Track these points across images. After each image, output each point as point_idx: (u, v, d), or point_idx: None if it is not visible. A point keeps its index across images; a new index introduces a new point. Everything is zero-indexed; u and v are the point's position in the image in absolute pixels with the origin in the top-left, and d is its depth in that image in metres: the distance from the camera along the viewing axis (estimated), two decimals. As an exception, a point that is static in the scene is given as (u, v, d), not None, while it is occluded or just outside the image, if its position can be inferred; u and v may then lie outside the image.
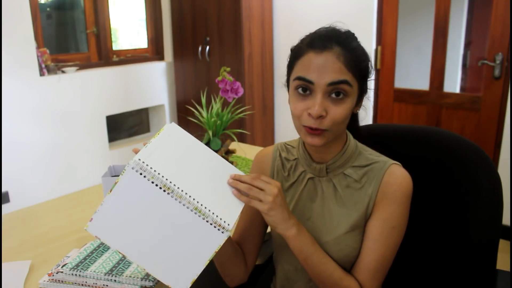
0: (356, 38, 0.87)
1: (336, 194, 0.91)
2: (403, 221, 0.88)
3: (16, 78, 2.73)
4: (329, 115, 0.82)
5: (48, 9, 3.29)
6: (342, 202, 0.91)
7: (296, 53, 0.86)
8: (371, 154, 0.92)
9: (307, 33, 0.89)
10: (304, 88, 0.83)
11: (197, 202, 0.75)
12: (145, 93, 3.60)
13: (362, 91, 0.88)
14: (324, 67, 0.81)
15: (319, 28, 0.88)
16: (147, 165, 0.73)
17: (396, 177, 0.87)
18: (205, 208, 0.76)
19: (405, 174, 0.88)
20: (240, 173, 0.86)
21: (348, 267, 0.91)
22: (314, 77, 0.81)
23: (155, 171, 0.73)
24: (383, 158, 0.91)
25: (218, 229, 0.76)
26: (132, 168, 0.73)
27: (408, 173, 0.88)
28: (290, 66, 0.89)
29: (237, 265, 0.97)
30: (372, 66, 0.89)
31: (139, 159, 0.73)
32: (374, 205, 0.88)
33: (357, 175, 0.90)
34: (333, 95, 0.82)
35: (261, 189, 0.81)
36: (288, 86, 0.91)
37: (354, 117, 0.97)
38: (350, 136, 0.94)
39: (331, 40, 0.83)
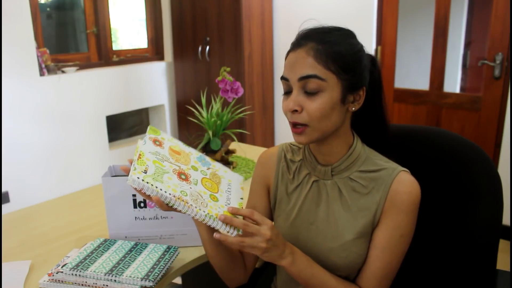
0: (342, 34, 0.85)
1: (342, 198, 0.90)
2: (411, 229, 0.87)
3: (16, 78, 2.73)
4: (305, 110, 0.83)
5: (48, 9, 3.29)
6: (347, 206, 0.89)
7: (286, 54, 0.89)
8: (379, 160, 0.91)
9: None
10: (286, 86, 0.86)
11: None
12: (145, 93, 3.60)
13: (351, 86, 0.84)
14: (295, 63, 0.83)
15: (307, 27, 0.88)
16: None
17: (405, 185, 0.86)
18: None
19: (413, 182, 0.87)
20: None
21: (353, 273, 0.90)
22: (288, 74, 0.85)
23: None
24: (392, 164, 0.89)
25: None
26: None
27: (416, 181, 0.87)
28: None
29: (237, 270, 0.97)
30: (363, 59, 0.86)
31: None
32: (382, 213, 0.87)
33: (364, 180, 0.89)
34: (307, 90, 0.83)
35: (253, 234, 0.79)
36: None
37: (358, 117, 0.93)
38: (357, 139, 0.92)
39: (306, 37, 0.84)
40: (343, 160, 0.90)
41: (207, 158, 0.96)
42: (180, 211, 0.81)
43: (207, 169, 0.94)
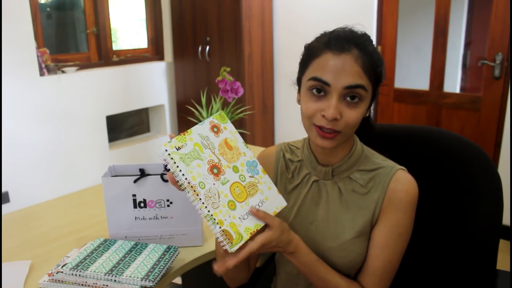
0: (372, 42, 0.85)
1: (341, 198, 0.91)
2: (409, 227, 0.88)
3: (16, 78, 2.72)
4: (343, 119, 0.81)
5: (48, 9, 3.29)
6: (347, 207, 0.90)
7: (312, 52, 0.85)
8: (377, 158, 0.91)
9: (323, 32, 0.87)
10: (319, 89, 0.82)
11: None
12: (145, 93, 3.60)
13: (374, 96, 0.87)
14: (342, 70, 0.80)
15: (336, 28, 0.86)
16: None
17: (402, 183, 0.86)
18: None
19: (411, 180, 0.87)
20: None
21: (352, 272, 0.91)
22: (331, 79, 0.80)
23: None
24: (390, 162, 0.90)
25: None
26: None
27: (413, 179, 0.88)
28: (304, 65, 0.87)
29: (241, 271, 0.97)
30: (385, 71, 0.88)
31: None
32: (380, 211, 0.87)
33: (363, 179, 0.89)
34: (348, 99, 0.81)
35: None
36: (299, 84, 0.89)
37: (363, 121, 0.93)
38: (357, 140, 0.93)
39: (349, 42, 0.81)
40: (344, 161, 0.90)
41: (259, 169, 0.88)
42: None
43: (250, 176, 0.86)
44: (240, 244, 0.78)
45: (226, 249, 0.78)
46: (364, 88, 0.81)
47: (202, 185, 0.79)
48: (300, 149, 0.98)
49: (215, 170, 0.82)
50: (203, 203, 0.78)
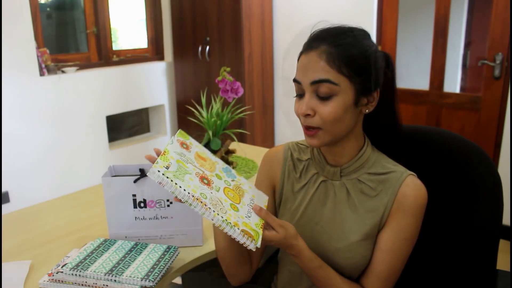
0: (356, 35, 0.84)
1: (349, 199, 0.90)
2: (415, 232, 0.88)
3: (16, 78, 2.72)
4: (318, 114, 0.83)
5: (48, 9, 3.29)
6: (355, 207, 0.89)
7: (299, 56, 0.87)
8: (388, 163, 0.91)
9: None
10: (298, 89, 0.86)
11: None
12: (145, 93, 3.60)
13: (365, 88, 0.84)
14: (307, 67, 0.82)
15: (320, 28, 0.87)
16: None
17: (413, 189, 0.86)
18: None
19: (421, 186, 0.87)
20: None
21: (355, 274, 0.91)
22: (300, 77, 0.84)
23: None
24: (400, 168, 0.90)
25: None
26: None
27: (423, 185, 0.88)
28: None
29: (243, 268, 0.97)
30: (377, 61, 0.84)
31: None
32: (389, 215, 0.87)
33: (373, 182, 0.89)
34: (319, 94, 0.82)
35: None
36: None
37: (370, 118, 0.92)
38: (368, 142, 0.92)
39: (318, 39, 0.83)
40: (353, 162, 0.90)
41: (233, 171, 0.94)
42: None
43: (232, 180, 0.91)
44: (261, 238, 0.79)
45: (250, 249, 0.78)
46: (331, 81, 0.80)
47: (204, 195, 0.79)
48: (309, 147, 0.98)
49: (205, 180, 0.84)
50: (213, 211, 0.77)
